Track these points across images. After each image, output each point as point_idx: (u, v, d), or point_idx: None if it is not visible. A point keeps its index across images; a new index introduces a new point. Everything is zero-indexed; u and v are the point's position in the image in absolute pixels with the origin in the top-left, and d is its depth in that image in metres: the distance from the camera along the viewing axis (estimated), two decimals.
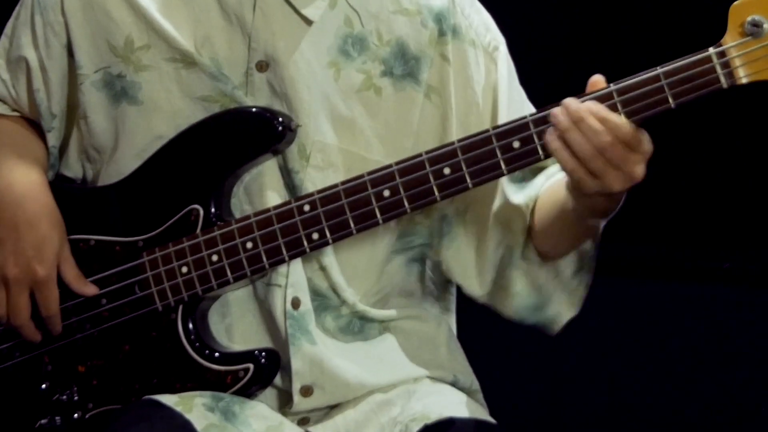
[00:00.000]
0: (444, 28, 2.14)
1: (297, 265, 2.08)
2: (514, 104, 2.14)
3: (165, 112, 2.10)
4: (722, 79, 1.89)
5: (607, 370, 3.35)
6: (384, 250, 2.15)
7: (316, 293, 2.11)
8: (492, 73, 2.15)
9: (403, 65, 2.12)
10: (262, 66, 2.08)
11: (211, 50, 2.09)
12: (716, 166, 3.45)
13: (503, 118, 2.11)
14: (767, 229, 3.38)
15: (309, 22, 2.09)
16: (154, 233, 2.08)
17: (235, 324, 2.11)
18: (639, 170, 1.92)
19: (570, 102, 1.92)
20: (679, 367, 3.31)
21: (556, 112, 1.92)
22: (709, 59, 1.90)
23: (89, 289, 2.09)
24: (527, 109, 2.14)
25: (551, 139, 1.93)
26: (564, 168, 1.93)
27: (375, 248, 2.13)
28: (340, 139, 2.10)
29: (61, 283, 2.09)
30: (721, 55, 1.90)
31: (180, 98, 2.10)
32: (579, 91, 1.95)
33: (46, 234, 2.07)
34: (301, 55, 2.09)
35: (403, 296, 2.20)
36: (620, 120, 1.90)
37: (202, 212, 2.06)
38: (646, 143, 1.93)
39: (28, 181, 2.11)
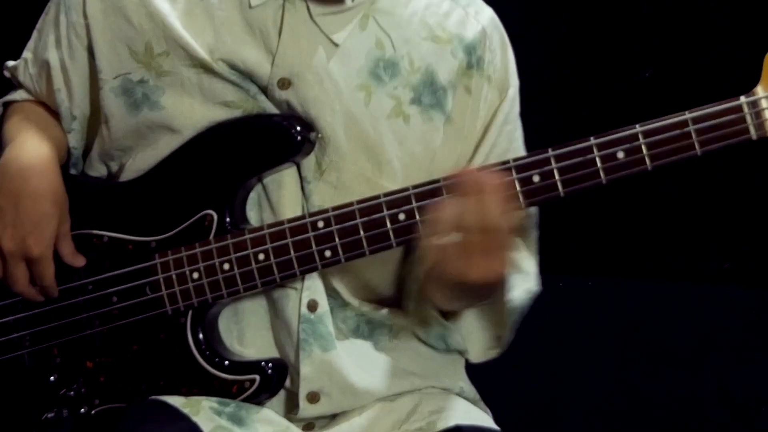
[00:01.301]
0: (472, 60, 2.11)
1: None
2: (496, 149, 2.11)
3: (187, 116, 2.07)
4: (752, 130, 1.85)
5: (608, 371, 3.36)
6: (393, 263, 2.13)
7: (327, 294, 2.09)
8: (491, 113, 2.12)
9: (431, 95, 2.09)
10: (284, 83, 2.04)
11: (231, 63, 2.05)
12: (716, 165, 3.43)
13: (479, 158, 2.09)
14: (767, 229, 3.37)
15: (337, 44, 2.05)
16: (167, 235, 2.07)
17: (247, 326, 2.10)
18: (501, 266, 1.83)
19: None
20: (678, 367, 3.31)
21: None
22: (740, 108, 1.85)
23: (78, 261, 2.08)
24: (513, 153, 2.10)
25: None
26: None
27: (381, 260, 2.09)
28: (360, 164, 2.06)
29: (66, 279, 2.09)
30: (753, 105, 1.85)
31: (202, 103, 2.06)
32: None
33: (47, 211, 2.05)
34: (329, 75, 2.04)
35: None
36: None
37: (216, 218, 2.05)
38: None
39: (36, 155, 2.09)
